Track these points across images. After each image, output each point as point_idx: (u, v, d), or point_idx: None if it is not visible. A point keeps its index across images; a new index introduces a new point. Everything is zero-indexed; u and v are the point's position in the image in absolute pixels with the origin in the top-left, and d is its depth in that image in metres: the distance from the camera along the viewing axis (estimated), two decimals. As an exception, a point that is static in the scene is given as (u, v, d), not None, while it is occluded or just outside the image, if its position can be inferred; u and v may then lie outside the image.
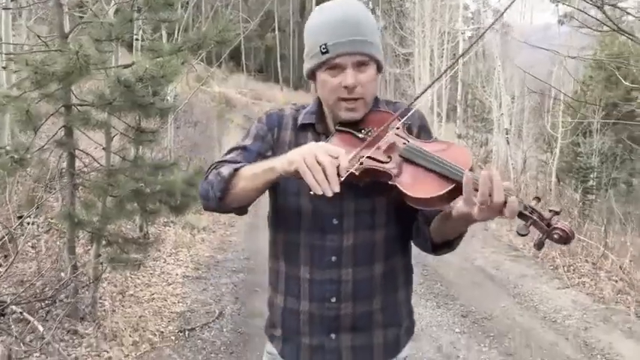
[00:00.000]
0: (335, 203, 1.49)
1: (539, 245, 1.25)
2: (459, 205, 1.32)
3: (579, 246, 6.97)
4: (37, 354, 3.83)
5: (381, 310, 1.59)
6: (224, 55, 17.22)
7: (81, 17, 6.32)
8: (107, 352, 4.11)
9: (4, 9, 6.02)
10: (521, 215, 1.25)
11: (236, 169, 1.44)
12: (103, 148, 4.62)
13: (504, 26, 25.29)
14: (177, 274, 6.33)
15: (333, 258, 1.54)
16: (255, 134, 1.61)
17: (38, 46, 4.59)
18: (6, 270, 3.75)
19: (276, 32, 40.10)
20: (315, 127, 1.59)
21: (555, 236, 1.23)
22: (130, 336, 4.44)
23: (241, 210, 1.55)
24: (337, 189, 1.26)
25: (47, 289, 4.41)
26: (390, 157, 1.43)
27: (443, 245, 1.52)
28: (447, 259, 6.86)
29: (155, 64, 3.90)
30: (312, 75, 1.53)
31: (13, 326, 3.87)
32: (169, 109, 4.44)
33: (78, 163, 4.40)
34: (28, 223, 5.51)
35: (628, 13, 4.94)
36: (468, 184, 1.25)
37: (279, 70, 39.25)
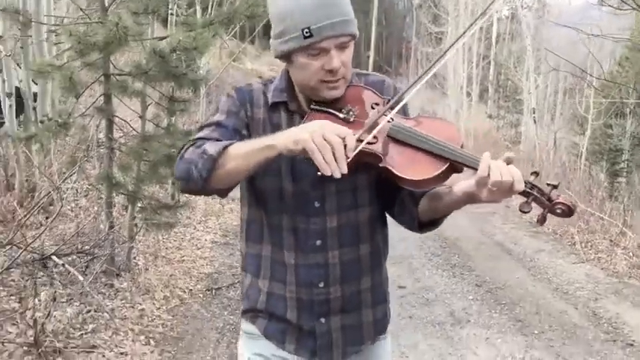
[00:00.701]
0: (315, 185, 1.46)
1: (542, 220, 1.27)
2: (468, 186, 1.33)
3: (599, 224, 7.08)
4: (77, 303, 4.18)
5: (369, 290, 1.58)
6: (257, 30, 17.43)
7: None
8: (140, 304, 4.45)
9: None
10: (521, 191, 1.26)
11: (225, 147, 1.35)
12: (140, 116, 4.92)
13: (541, 5, 24.90)
14: (206, 240, 6.67)
15: (318, 242, 1.50)
16: (228, 110, 1.51)
17: (81, 19, 4.89)
18: (50, 223, 4.09)
19: (310, 9, 39.95)
20: (288, 106, 1.52)
21: (558, 211, 1.25)
22: (162, 291, 4.77)
23: (224, 192, 1.47)
24: (345, 170, 1.23)
25: (86, 246, 4.77)
26: (376, 137, 1.37)
27: (429, 224, 1.51)
28: (466, 234, 7.07)
29: (188, 36, 4.15)
30: (286, 56, 1.43)
31: (56, 277, 4.23)
32: (201, 81, 4.70)
33: (115, 129, 4.70)
34: (68, 189, 5.88)
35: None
36: (485, 169, 1.26)
37: (312, 47, 39.16)
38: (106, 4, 4.51)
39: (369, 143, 1.35)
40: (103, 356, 3.57)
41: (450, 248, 6.64)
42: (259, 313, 1.58)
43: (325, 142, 1.23)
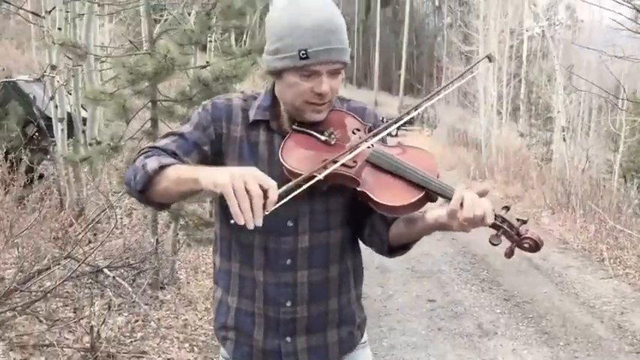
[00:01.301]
0: (290, 205, 1.39)
1: (510, 254, 1.33)
2: (439, 216, 1.37)
3: (628, 240, 7.16)
4: (126, 314, 4.51)
5: (336, 311, 1.59)
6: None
7: (156, 20, 7.00)
8: (183, 314, 4.75)
9: (97, 15, 6.79)
10: (492, 225, 1.32)
11: (162, 166, 1.35)
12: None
13: (573, 22, 24.86)
14: (243, 256, 6.97)
15: (288, 261, 1.52)
16: (197, 122, 1.52)
17: (125, 47, 5.28)
18: (105, 238, 4.44)
19: (341, 31, 40.53)
20: (270, 124, 1.53)
21: (525, 245, 1.33)
22: (203, 303, 5.07)
23: (163, 206, 1.52)
24: (260, 223, 1.19)
25: (132, 260, 5.11)
26: (355, 161, 1.42)
27: (400, 248, 1.54)
28: (494, 250, 7.16)
29: (229, 65, 4.50)
30: (278, 73, 1.46)
31: (108, 289, 4.57)
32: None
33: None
34: (117, 208, 6.27)
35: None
36: (456, 202, 1.31)
37: (343, 67, 39.72)
38: (154, 37, 4.91)
39: (347, 167, 1.41)
40: (152, 360, 3.88)
41: (479, 264, 6.81)
42: (229, 330, 1.61)
43: (245, 190, 1.19)
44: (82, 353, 3.74)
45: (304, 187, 1.33)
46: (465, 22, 24.89)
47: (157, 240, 4.96)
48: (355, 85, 45.13)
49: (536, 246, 1.32)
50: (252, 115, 1.52)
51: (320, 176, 1.35)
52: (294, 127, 1.49)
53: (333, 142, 1.46)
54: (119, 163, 6.83)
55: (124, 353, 3.87)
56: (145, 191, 1.38)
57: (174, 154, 1.44)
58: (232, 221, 1.19)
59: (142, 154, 1.44)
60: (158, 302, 4.88)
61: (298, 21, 1.38)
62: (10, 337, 3.73)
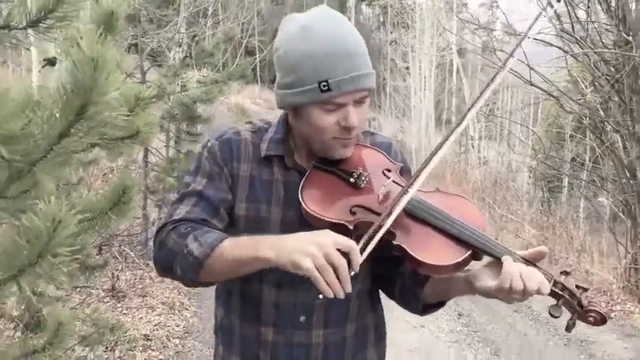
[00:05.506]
0: None
1: (572, 327, 1.20)
2: (488, 288, 1.22)
3: (511, 224, 9.24)
4: (129, 273, 6.17)
5: None
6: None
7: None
8: (169, 275, 6.45)
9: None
10: (550, 293, 1.17)
11: (212, 248, 1.20)
12: (165, 145, 6.99)
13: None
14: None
15: (302, 318, 1.36)
16: (209, 172, 1.36)
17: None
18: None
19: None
20: (285, 160, 1.37)
21: (590, 319, 1.17)
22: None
23: (212, 285, 1.37)
24: (349, 290, 1.10)
25: (129, 237, 6.77)
26: (391, 212, 1.21)
27: (436, 305, 1.41)
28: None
29: (202, 91, 6.24)
30: (295, 109, 1.30)
31: (115, 254, 6.24)
32: (209, 120, 6.79)
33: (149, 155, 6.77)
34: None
35: (512, 56, 7.06)
36: (506, 281, 1.17)
37: (292, 81, 41.11)
38: (145, 70, 6.61)
39: (380, 216, 1.22)
40: (153, 298, 5.57)
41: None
42: None
43: (328, 264, 1.09)
44: (104, 293, 5.41)
45: (377, 237, 1.19)
46: (404, 41, 27.02)
47: (145, 222, 6.65)
48: (304, 98, 46.48)
49: (602, 320, 1.18)
50: (264, 149, 1.38)
51: (388, 224, 1.21)
52: (315, 163, 1.36)
53: (362, 185, 1.32)
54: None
55: (133, 293, 5.55)
56: (195, 280, 1.26)
57: (204, 222, 1.31)
58: (321, 296, 1.11)
59: (171, 230, 1.30)
60: (149, 268, 6.55)
61: (314, 48, 1.24)
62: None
